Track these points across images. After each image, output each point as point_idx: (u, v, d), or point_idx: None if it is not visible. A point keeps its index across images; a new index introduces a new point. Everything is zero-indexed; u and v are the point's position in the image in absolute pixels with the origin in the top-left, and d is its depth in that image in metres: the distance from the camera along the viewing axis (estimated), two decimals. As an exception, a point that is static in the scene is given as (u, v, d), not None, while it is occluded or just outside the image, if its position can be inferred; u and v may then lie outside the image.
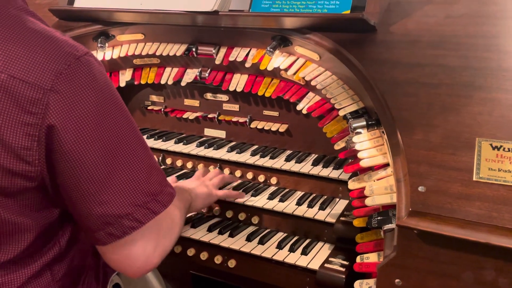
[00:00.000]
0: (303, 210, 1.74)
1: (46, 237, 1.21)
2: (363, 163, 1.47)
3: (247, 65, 1.90)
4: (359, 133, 1.52)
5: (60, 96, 1.03)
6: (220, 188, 1.87)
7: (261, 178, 1.95)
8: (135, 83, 2.17)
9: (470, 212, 1.16)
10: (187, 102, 2.25)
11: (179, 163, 2.12)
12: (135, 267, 1.20)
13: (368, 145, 1.49)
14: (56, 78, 1.02)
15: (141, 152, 1.17)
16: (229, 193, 1.84)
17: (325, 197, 1.84)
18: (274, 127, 2.04)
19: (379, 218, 1.34)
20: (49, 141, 1.04)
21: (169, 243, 1.29)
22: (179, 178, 2.01)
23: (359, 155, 1.48)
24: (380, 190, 1.38)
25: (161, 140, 2.18)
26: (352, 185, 1.50)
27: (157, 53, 2.05)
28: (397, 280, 1.21)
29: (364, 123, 1.51)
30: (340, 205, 1.78)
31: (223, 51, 1.96)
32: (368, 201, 1.38)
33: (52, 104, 1.02)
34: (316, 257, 1.62)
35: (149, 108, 2.32)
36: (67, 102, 1.03)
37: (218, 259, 1.70)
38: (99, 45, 2.03)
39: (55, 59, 1.03)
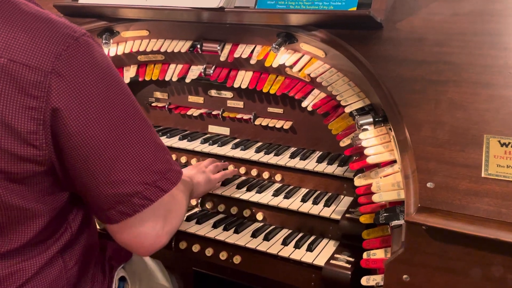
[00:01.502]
0: (308, 207, 1.74)
1: (57, 222, 1.21)
2: (370, 160, 1.47)
3: (252, 62, 1.89)
4: (366, 129, 1.52)
5: (61, 78, 1.02)
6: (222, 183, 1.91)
7: (266, 175, 1.95)
8: (139, 79, 2.17)
9: (479, 208, 1.16)
10: (191, 99, 2.24)
11: (183, 159, 2.12)
12: (146, 245, 1.22)
13: (374, 142, 1.50)
14: (56, 60, 1.02)
15: (147, 131, 1.17)
16: (225, 174, 1.90)
17: (330, 194, 1.84)
18: (279, 124, 2.04)
19: (386, 214, 1.34)
20: (54, 123, 1.04)
21: (176, 223, 1.31)
22: (184, 174, 2.01)
23: (366, 151, 1.48)
24: (387, 187, 1.38)
25: (165, 136, 2.18)
26: (359, 181, 1.51)
27: (162, 50, 2.05)
28: (405, 276, 1.22)
29: (371, 119, 1.50)
30: (345, 202, 1.78)
31: (228, 47, 1.95)
32: (375, 198, 1.38)
33: (54, 86, 1.02)
34: (322, 253, 1.62)
35: (153, 104, 2.32)
36: (69, 83, 1.03)
37: (223, 255, 1.70)
38: (103, 41, 2.03)
39: (54, 41, 1.03)
